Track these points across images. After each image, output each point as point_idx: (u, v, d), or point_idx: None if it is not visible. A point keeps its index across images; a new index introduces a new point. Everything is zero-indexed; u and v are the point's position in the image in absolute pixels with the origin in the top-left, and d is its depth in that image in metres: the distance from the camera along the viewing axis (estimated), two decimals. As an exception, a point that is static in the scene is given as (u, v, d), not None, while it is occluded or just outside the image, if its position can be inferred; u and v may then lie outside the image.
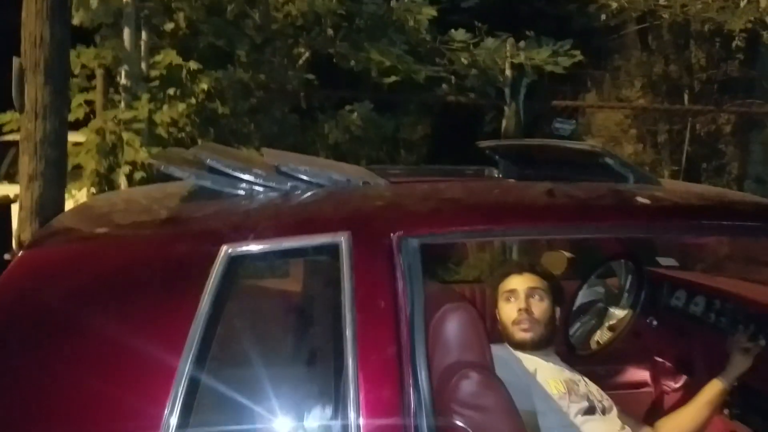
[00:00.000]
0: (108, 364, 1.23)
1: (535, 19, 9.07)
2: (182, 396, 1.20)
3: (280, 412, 1.29)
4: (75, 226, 1.51)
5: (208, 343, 1.24)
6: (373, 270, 1.35)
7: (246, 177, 1.58)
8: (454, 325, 1.62)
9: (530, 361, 2.07)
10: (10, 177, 8.02)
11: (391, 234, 1.36)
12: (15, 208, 6.18)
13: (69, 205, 4.89)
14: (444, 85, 6.15)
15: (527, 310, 2.10)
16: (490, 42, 5.81)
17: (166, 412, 1.17)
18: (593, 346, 2.67)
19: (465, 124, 7.22)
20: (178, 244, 1.35)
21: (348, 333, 1.28)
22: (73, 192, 5.39)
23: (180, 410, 1.18)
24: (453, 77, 6.00)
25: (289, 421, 1.30)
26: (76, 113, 5.54)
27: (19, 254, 1.33)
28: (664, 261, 3.07)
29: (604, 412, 2.04)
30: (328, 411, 1.29)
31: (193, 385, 1.22)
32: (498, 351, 2.06)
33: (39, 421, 1.20)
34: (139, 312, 1.27)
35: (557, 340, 2.35)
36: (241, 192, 1.57)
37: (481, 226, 1.44)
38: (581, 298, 2.77)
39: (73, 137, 5.17)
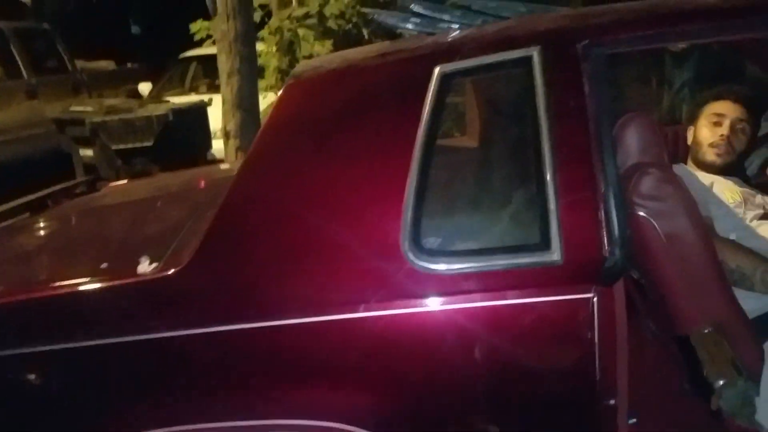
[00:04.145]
0: (362, 160, 1.60)
1: None
2: (416, 181, 1.55)
3: (491, 193, 1.60)
4: (321, 65, 1.89)
5: (431, 139, 1.56)
6: (562, 77, 1.58)
7: (444, 17, 1.86)
8: (634, 131, 1.85)
9: (709, 177, 2.23)
10: (194, 89, 8.91)
11: (577, 44, 1.59)
12: (210, 112, 6.93)
13: (260, 100, 5.47)
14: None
15: (729, 138, 2.23)
16: None
17: (407, 183, 1.52)
18: (768, 173, 2.74)
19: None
20: (404, 66, 1.67)
21: (544, 127, 1.55)
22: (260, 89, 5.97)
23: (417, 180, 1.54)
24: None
25: (498, 200, 1.62)
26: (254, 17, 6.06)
27: (286, 84, 1.71)
28: None
29: (780, 219, 2.17)
30: (530, 192, 1.58)
31: (423, 173, 1.55)
32: (677, 169, 2.24)
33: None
34: (380, 119, 1.61)
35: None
36: (439, 31, 1.86)
37: (660, 29, 1.61)
38: (761, 130, 2.83)
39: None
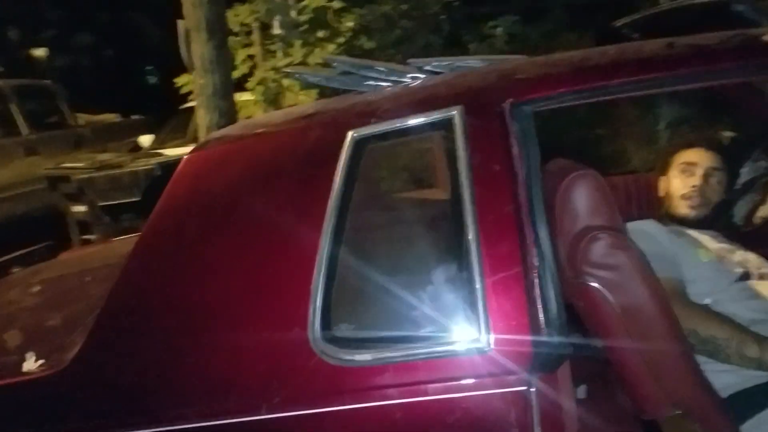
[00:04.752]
0: (263, 239, 1.43)
1: None
2: (325, 261, 1.37)
3: (408, 272, 1.43)
4: (228, 134, 1.74)
5: (343, 214, 1.39)
6: (487, 139, 1.42)
7: (369, 74, 1.71)
8: (581, 192, 1.65)
9: (682, 233, 2.03)
10: (196, 140, 8.83)
11: (503, 102, 1.42)
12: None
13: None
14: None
15: (701, 189, 2.04)
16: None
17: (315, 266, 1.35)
18: (757, 222, 2.53)
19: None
20: (314, 132, 1.51)
21: (467, 196, 1.37)
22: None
23: (325, 271, 1.35)
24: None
25: (417, 281, 1.44)
26: (241, 69, 5.99)
27: (185, 157, 1.56)
28: None
29: (762, 278, 1.96)
30: (453, 269, 1.40)
31: (334, 252, 1.38)
32: (644, 225, 2.05)
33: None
34: (284, 193, 1.45)
35: (720, 220, 2.28)
36: (366, 89, 1.70)
37: (596, 84, 1.44)
38: (745, 175, 2.63)
39: (239, 97, 5.60)
